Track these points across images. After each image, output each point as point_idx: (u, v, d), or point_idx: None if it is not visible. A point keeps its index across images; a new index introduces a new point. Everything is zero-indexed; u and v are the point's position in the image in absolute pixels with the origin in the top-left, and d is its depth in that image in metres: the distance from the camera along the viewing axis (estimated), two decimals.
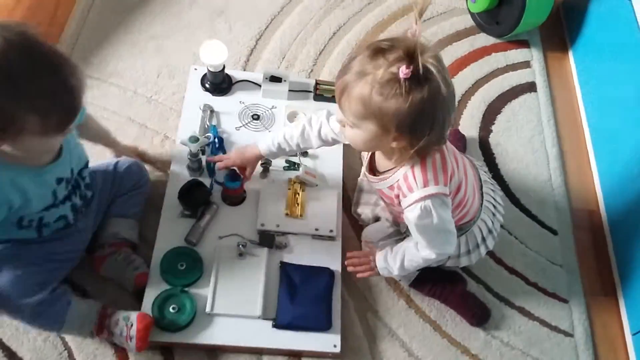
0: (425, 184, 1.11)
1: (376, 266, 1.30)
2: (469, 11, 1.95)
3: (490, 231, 1.33)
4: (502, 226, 1.47)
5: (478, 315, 1.37)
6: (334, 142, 1.32)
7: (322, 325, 1.26)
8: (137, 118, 1.57)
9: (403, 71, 0.95)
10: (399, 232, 1.36)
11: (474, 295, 1.39)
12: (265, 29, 1.84)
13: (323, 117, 1.30)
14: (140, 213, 1.37)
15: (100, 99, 1.59)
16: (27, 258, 1.17)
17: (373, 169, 1.23)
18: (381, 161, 1.20)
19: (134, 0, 1.83)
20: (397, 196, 1.16)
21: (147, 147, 1.52)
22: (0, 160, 1.01)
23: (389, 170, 1.16)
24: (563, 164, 1.67)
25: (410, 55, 0.96)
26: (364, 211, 1.44)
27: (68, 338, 1.24)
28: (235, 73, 1.65)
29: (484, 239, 1.32)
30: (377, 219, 1.42)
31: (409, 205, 1.12)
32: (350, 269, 1.34)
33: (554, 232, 1.54)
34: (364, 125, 1.04)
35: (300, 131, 1.32)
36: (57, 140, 1.04)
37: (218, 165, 1.40)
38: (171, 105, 1.61)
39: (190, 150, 1.38)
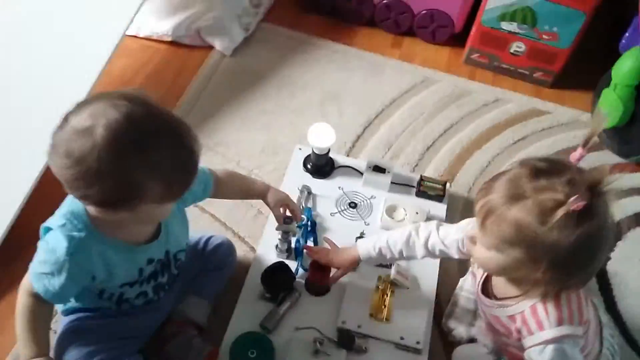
0: (560, 322, 0.97)
1: None
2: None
3: None
4: None
5: None
6: (441, 254, 1.20)
7: None
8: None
9: (578, 202, 0.85)
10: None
11: None
12: (375, 117, 1.81)
13: (433, 226, 1.19)
14: (216, 293, 1.31)
15: (204, 164, 1.59)
16: (101, 334, 1.12)
17: (487, 291, 1.10)
18: (502, 285, 1.07)
19: (250, 78, 1.87)
20: (519, 331, 1.02)
21: (239, 220, 1.49)
22: (94, 231, 0.98)
23: (510, 297, 1.03)
24: None
25: (594, 187, 0.86)
26: (458, 328, 1.30)
27: None
28: (339, 158, 1.60)
29: None
30: (471, 340, 1.28)
31: (537, 345, 0.98)
32: None
33: None
34: (508, 251, 0.93)
35: (405, 238, 1.21)
36: (168, 210, 1.01)
37: (308, 253, 1.33)
38: (270, 181, 1.57)
39: (282, 231, 1.33)
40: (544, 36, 1.86)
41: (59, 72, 1.52)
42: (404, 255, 1.23)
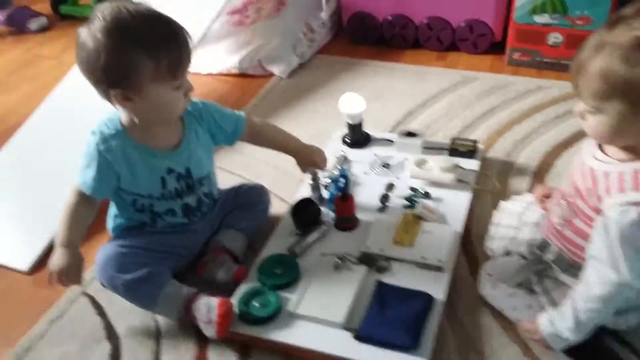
0: None
1: (542, 336, 1.05)
2: None
3: None
4: None
5: None
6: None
7: (407, 342, 1.09)
8: (280, 166, 1.70)
9: None
10: (535, 263, 1.17)
11: (612, 351, 1.09)
12: (416, 108, 1.92)
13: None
14: (252, 230, 1.42)
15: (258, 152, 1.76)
16: (137, 238, 1.27)
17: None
18: (613, 148, 1.02)
19: (303, 92, 2.08)
20: (608, 189, 0.98)
21: (283, 187, 1.63)
22: (123, 134, 1.18)
23: (618, 159, 0.99)
24: None
25: None
26: (499, 245, 1.28)
27: (160, 321, 1.27)
28: (375, 133, 1.72)
29: None
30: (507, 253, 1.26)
31: (622, 205, 0.93)
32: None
33: None
34: (608, 107, 0.91)
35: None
36: (175, 99, 1.16)
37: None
38: None
39: (311, 175, 1.44)
40: (578, 22, 1.92)
41: None
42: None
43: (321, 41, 2.37)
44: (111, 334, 1.26)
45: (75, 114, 1.81)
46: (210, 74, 2.26)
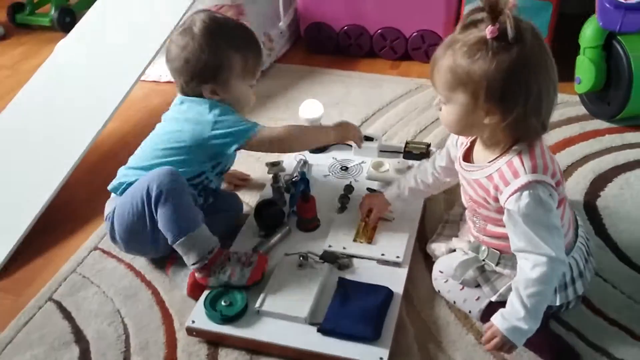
0: (534, 170, 1.04)
1: (502, 335, 1.07)
2: (579, 96, 1.93)
3: (581, 274, 1.19)
4: (604, 280, 1.33)
5: (562, 356, 1.14)
6: (443, 170, 1.35)
7: (369, 334, 1.16)
8: (243, 169, 1.75)
9: (489, 30, 0.95)
10: (477, 260, 1.24)
11: (558, 336, 1.18)
12: (373, 115, 2.00)
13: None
14: (218, 234, 1.45)
15: None
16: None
17: (468, 160, 1.19)
18: (481, 153, 1.15)
19: (264, 100, 2.11)
20: (497, 187, 1.08)
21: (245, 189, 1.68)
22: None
23: (489, 161, 1.11)
24: None
25: (493, 10, 0.95)
26: (439, 248, 1.36)
27: (129, 324, 1.30)
28: None
29: (573, 280, 1.18)
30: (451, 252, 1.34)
31: (513, 194, 1.04)
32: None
33: None
34: (455, 98, 1.04)
35: (418, 165, 1.45)
36: (251, 95, 1.41)
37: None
38: None
39: (272, 176, 1.50)
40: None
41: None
42: (418, 180, 1.38)
43: (280, 50, 2.43)
44: (80, 338, 1.28)
45: (30, 125, 1.82)
46: (170, 82, 2.28)
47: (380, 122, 1.96)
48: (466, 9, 2.08)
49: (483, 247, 1.23)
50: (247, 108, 1.42)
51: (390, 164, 1.59)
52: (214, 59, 1.30)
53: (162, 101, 2.14)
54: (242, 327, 1.21)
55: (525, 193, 1.03)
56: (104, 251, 1.51)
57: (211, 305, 1.25)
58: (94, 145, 1.70)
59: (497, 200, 1.10)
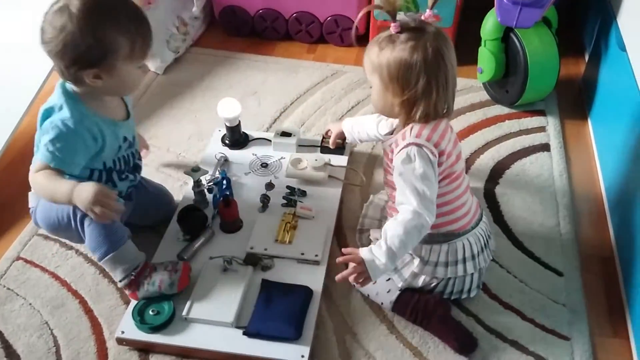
0: (418, 136, 1.22)
1: (364, 265, 1.21)
2: (482, 84, 2.06)
3: (473, 257, 1.33)
4: (500, 266, 1.47)
5: (462, 341, 1.30)
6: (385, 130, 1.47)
7: (291, 334, 1.26)
8: (165, 169, 1.77)
9: (392, 26, 1.19)
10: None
11: (458, 322, 1.33)
12: (291, 104, 2.05)
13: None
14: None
15: None
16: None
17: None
18: (397, 129, 1.33)
19: (180, 89, 2.13)
20: (392, 151, 1.28)
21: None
22: (86, 106, 1.25)
23: (397, 132, 1.30)
24: (574, 213, 1.63)
25: (392, 10, 1.19)
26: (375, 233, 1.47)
27: (59, 335, 1.34)
28: (253, 133, 1.83)
29: (464, 259, 1.32)
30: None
31: (398, 153, 1.23)
32: (339, 277, 1.26)
33: (559, 274, 1.46)
34: (373, 80, 1.24)
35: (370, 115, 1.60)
36: (139, 77, 1.30)
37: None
38: (195, 159, 1.80)
39: (193, 181, 1.54)
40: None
41: None
42: (365, 133, 1.58)
43: (195, 34, 2.41)
44: (10, 353, 1.31)
45: None
46: None
47: (298, 112, 2.01)
48: None
49: None
50: (136, 89, 1.34)
51: (307, 161, 1.66)
52: (97, 44, 1.16)
53: None
54: (171, 335, 1.28)
55: (403, 150, 1.22)
56: (26, 261, 1.51)
57: (139, 315, 1.30)
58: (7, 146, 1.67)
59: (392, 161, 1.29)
